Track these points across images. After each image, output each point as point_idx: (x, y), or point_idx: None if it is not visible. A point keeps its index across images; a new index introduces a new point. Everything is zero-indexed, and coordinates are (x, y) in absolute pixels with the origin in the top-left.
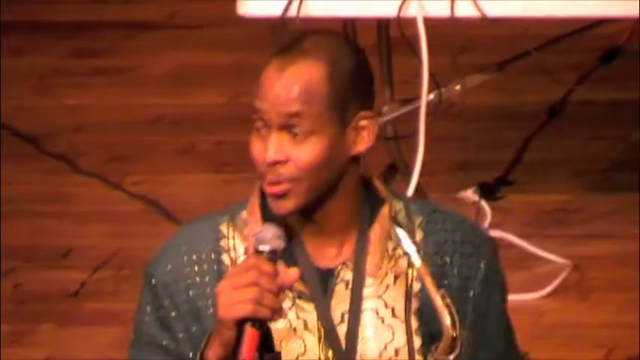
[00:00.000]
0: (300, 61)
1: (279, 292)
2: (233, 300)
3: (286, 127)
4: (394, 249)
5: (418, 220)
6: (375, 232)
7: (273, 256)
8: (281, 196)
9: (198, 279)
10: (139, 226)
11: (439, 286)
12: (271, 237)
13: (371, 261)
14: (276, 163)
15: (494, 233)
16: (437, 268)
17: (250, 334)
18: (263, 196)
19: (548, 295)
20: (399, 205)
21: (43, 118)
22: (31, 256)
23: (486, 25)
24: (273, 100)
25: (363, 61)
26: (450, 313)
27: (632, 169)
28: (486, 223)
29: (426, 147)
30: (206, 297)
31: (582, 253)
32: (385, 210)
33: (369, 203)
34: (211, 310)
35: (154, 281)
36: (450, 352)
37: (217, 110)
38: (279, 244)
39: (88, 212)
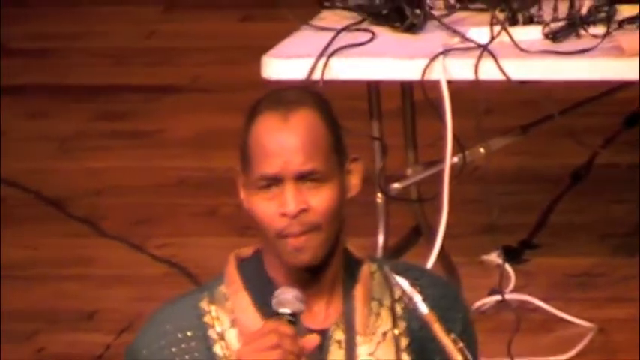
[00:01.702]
0: (297, 110)
1: (301, 354)
2: None
3: (301, 177)
4: (379, 306)
5: (394, 280)
6: (359, 292)
7: (294, 318)
8: (303, 249)
9: (187, 357)
10: (162, 289)
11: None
12: (291, 299)
13: (360, 320)
14: (299, 214)
15: (519, 296)
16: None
17: None
18: (240, 266)
19: (573, 358)
20: (373, 266)
21: (66, 182)
22: (54, 319)
23: (510, 88)
24: (285, 159)
25: (334, 113)
26: (465, 357)
27: None
28: (510, 287)
29: (449, 210)
30: None
31: (607, 316)
32: (366, 269)
33: (347, 265)
34: None
35: None
36: None
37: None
38: (300, 306)
39: (112, 275)
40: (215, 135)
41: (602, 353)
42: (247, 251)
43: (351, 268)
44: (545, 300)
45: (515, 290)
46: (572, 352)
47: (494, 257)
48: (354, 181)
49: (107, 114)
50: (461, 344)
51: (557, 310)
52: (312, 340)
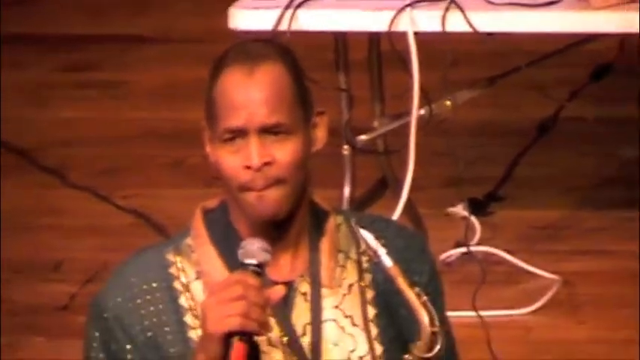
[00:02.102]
0: (263, 64)
1: (266, 305)
2: (221, 314)
3: (265, 130)
4: (345, 258)
5: (359, 233)
6: (325, 245)
7: (260, 269)
8: (269, 201)
9: (152, 308)
10: (129, 240)
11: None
12: (257, 250)
13: (325, 272)
14: (262, 167)
15: (484, 249)
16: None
17: (238, 347)
18: (207, 220)
19: (538, 311)
20: (339, 218)
21: (35, 131)
22: (20, 269)
23: (478, 40)
24: (250, 112)
25: (301, 67)
26: (428, 310)
27: (622, 185)
28: (476, 239)
29: (416, 162)
30: (163, 325)
31: (572, 269)
32: (332, 222)
33: (314, 217)
34: (170, 336)
35: (105, 315)
36: (431, 349)
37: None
38: (266, 257)
39: (79, 225)
40: (185, 86)
41: (566, 306)
42: (213, 203)
43: (318, 221)
44: (510, 252)
45: (480, 243)
46: (537, 305)
47: (459, 210)
48: (320, 134)
49: (77, 64)
50: (424, 298)
51: (522, 263)
52: (277, 292)
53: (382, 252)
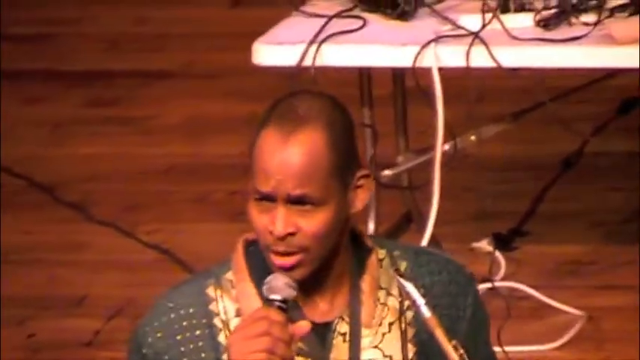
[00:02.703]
0: (301, 130)
1: (291, 342)
2: (245, 350)
3: (293, 200)
4: (386, 296)
5: (403, 266)
6: (366, 283)
7: (284, 305)
8: (289, 269)
9: (192, 346)
10: (153, 275)
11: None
12: (282, 286)
13: (365, 312)
14: (286, 236)
15: (509, 284)
16: None
17: None
18: (247, 253)
19: (563, 346)
20: (382, 253)
21: (58, 168)
22: (45, 305)
23: (502, 75)
24: (279, 180)
25: (351, 120)
26: None
27: None
28: (501, 274)
29: (440, 197)
30: None
31: (597, 304)
32: (373, 259)
33: (356, 253)
34: None
35: (144, 350)
36: None
37: (231, 160)
38: (291, 292)
39: (102, 261)
40: (205, 121)
41: (591, 341)
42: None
43: (360, 258)
44: (535, 288)
45: (505, 278)
46: (562, 340)
47: (484, 245)
48: (362, 196)
49: (99, 100)
50: (461, 351)
51: (547, 298)
52: (302, 327)
53: (421, 302)
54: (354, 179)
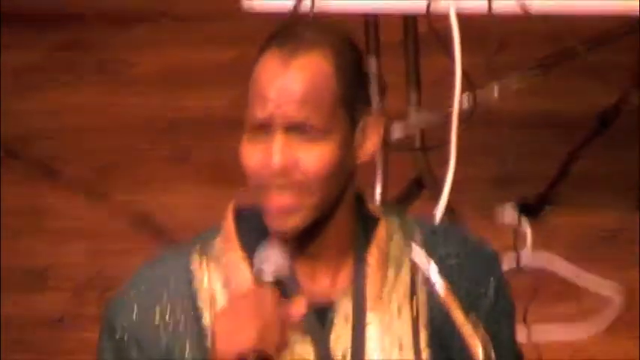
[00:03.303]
0: (304, 53)
1: (285, 324)
2: (233, 334)
3: (293, 128)
4: (396, 272)
5: (417, 239)
6: (373, 256)
7: (278, 283)
8: (287, 211)
9: (171, 328)
10: (125, 244)
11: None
12: (275, 261)
13: (371, 290)
14: (284, 170)
15: (537, 257)
16: None
17: None
18: (239, 219)
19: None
20: (394, 223)
21: (19, 121)
22: (4, 278)
23: (528, 20)
24: (277, 105)
25: (362, 56)
26: (484, 346)
27: None
28: (527, 246)
29: (457, 159)
30: (183, 346)
31: (637, 278)
32: (382, 231)
33: (363, 224)
34: (190, 357)
35: (117, 335)
36: None
37: (217, 113)
38: (285, 269)
39: (69, 228)
40: (189, 70)
41: (631, 322)
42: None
43: (367, 229)
44: (567, 261)
45: (533, 250)
46: (598, 320)
47: (508, 213)
48: (371, 143)
49: (67, 44)
50: (481, 330)
51: (581, 272)
52: (297, 306)
53: (435, 275)
54: (362, 118)
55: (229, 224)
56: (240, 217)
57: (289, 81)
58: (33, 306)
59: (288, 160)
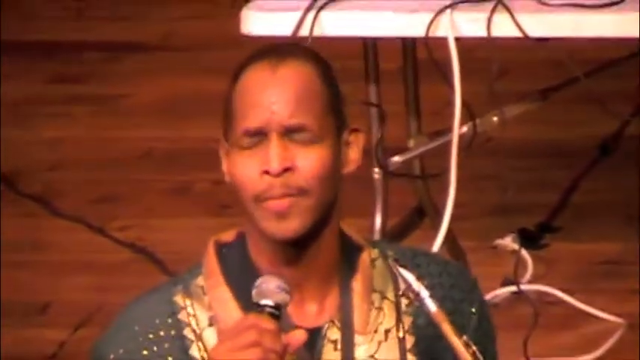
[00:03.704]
0: (291, 60)
1: (285, 353)
2: None
3: (288, 133)
4: (381, 299)
5: (401, 264)
6: (359, 283)
7: (277, 311)
8: (287, 213)
9: None
10: (126, 278)
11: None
12: (275, 289)
13: (359, 316)
14: (283, 173)
15: (537, 287)
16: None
17: None
18: (221, 255)
19: (599, 359)
20: (374, 252)
21: (17, 154)
22: (3, 313)
23: (528, 47)
24: (272, 111)
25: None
26: None
27: None
28: (528, 276)
29: (458, 187)
30: None
31: (637, 310)
32: (365, 257)
33: (346, 251)
34: None
35: None
36: None
37: (216, 145)
38: (284, 297)
39: (69, 261)
40: (188, 100)
41: (632, 353)
42: (229, 236)
43: (350, 256)
44: (567, 292)
45: (532, 280)
46: (599, 352)
47: (508, 242)
48: (353, 155)
49: (65, 75)
50: (473, 348)
51: (580, 304)
52: (297, 337)
53: (425, 294)
54: (345, 131)
55: (212, 261)
56: (222, 254)
57: (282, 86)
58: (31, 341)
59: (286, 163)
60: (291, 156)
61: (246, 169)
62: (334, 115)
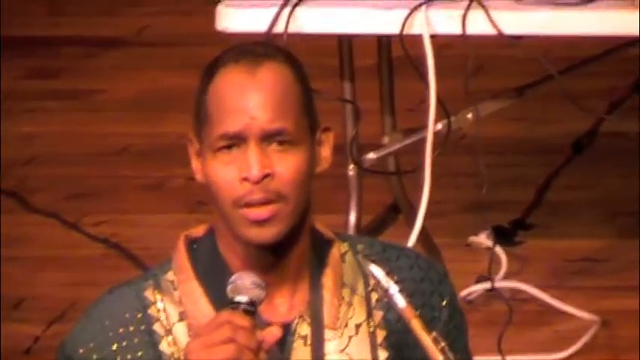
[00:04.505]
0: (267, 63)
1: (259, 349)
2: None
3: (267, 138)
4: (351, 294)
5: (371, 258)
6: (329, 278)
7: (251, 308)
8: (266, 220)
9: (129, 356)
10: (100, 274)
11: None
12: (249, 285)
13: (328, 311)
14: (263, 179)
15: (511, 284)
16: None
17: None
18: (191, 250)
19: (573, 356)
20: (344, 246)
21: None
22: None
23: (503, 44)
24: (252, 116)
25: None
26: (447, 358)
27: None
28: (502, 273)
29: (432, 184)
30: None
31: (611, 307)
32: (335, 252)
33: (315, 246)
34: None
35: None
36: None
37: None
38: (259, 293)
39: (42, 257)
40: (163, 96)
41: (606, 350)
42: (199, 231)
43: (320, 251)
44: (541, 289)
45: (507, 277)
46: (572, 349)
47: (483, 239)
48: (325, 153)
49: (40, 71)
50: (442, 344)
51: (554, 301)
52: (272, 334)
53: (394, 290)
54: (318, 131)
55: (182, 256)
56: (192, 249)
57: (261, 90)
58: (5, 336)
59: (265, 170)
60: (270, 162)
61: (224, 173)
62: (308, 115)
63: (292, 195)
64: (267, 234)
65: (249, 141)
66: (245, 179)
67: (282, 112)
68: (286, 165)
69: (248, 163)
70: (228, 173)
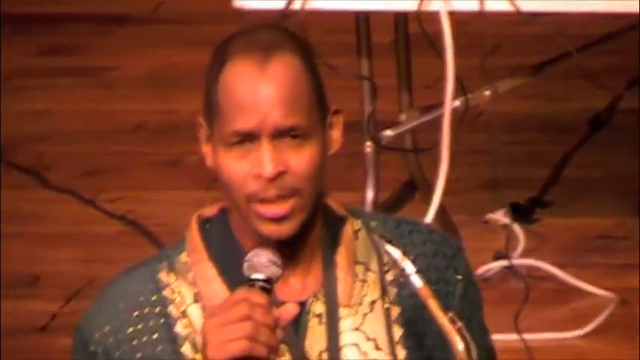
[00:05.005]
0: (277, 56)
1: (276, 326)
2: (224, 338)
3: (280, 134)
4: (365, 271)
5: (384, 235)
6: (342, 256)
7: (268, 285)
8: (283, 218)
9: (145, 338)
10: (116, 251)
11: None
12: (266, 263)
13: (342, 289)
14: (277, 177)
15: (528, 262)
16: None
17: None
18: (204, 230)
19: (590, 334)
20: (357, 223)
21: (7, 126)
22: None
23: (520, 22)
24: (264, 113)
25: (314, 52)
26: (464, 338)
27: None
28: (519, 250)
29: (450, 162)
30: (158, 356)
31: (630, 285)
32: (348, 230)
33: (328, 223)
34: None
35: (92, 348)
36: None
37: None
38: (276, 271)
39: (59, 234)
40: (178, 73)
41: (623, 328)
42: (212, 210)
43: (332, 229)
44: (558, 266)
45: (524, 255)
46: (590, 327)
47: (500, 216)
48: (335, 136)
49: (54, 47)
50: (459, 324)
51: (572, 278)
52: (289, 311)
53: (411, 270)
54: (328, 114)
55: (195, 236)
56: (205, 230)
57: (273, 85)
58: (22, 313)
59: (279, 167)
60: (283, 158)
61: (237, 168)
62: (319, 106)
63: (307, 188)
64: (283, 230)
65: (262, 138)
66: (258, 176)
67: (295, 106)
68: (300, 159)
69: (261, 160)
70: (241, 169)
